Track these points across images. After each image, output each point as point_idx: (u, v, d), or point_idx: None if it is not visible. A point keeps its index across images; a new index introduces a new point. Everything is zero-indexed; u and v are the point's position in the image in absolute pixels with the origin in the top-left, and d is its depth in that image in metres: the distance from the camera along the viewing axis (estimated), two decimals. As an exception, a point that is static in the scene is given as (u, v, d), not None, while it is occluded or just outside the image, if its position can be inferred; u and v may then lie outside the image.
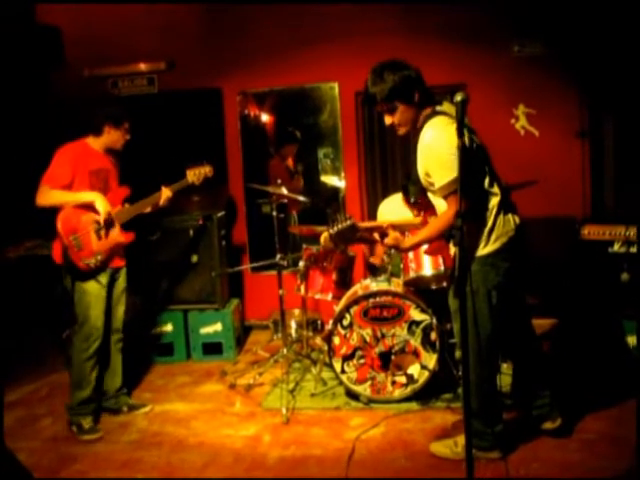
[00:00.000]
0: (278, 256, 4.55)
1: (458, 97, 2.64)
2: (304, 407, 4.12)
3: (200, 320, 5.21)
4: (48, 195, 3.81)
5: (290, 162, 5.95)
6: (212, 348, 5.20)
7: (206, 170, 4.33)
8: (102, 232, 3.91)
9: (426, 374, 4.01)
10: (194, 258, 5.20)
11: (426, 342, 4.00)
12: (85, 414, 3.98)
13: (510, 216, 3.13)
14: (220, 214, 5.39)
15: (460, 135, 2.56)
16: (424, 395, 4.04)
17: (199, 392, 4.57)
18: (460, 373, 4.02)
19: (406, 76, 3.05)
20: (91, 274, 3.93)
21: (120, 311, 4.20)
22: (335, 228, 3.11)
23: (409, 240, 3.19)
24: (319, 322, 5.31)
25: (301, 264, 4.50)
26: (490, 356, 3.18)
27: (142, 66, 5.88)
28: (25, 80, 5.28)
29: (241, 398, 4.40)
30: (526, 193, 4.24)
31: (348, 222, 3.10)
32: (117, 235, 4.01)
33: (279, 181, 4.75)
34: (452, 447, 3.33)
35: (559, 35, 5.20)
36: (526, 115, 5.36)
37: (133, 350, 5.34)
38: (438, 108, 3.10)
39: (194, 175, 4.29)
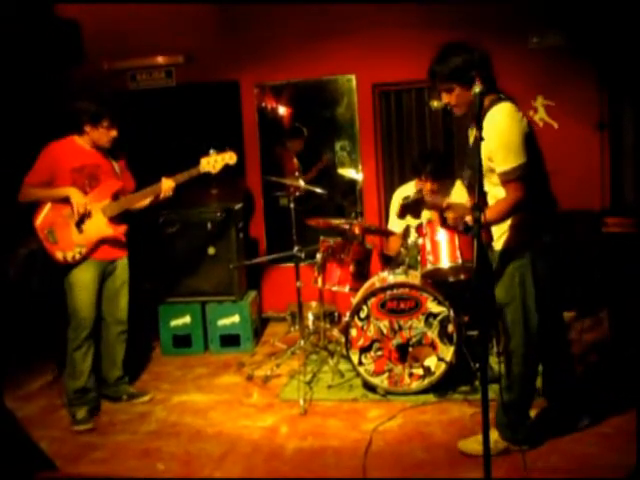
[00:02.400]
0: (295, 248, 4.56)
1: (476, 89, 2.63)
2: (321, 399, 4.14)
3: (218, 312, 5.24)
4: (27, 192, 3.92)
5: (295, 160, 5.95)
6: (230, 340, 5.23)
7: (226, 157, 4.11)
8: (82, 225, 3.92)
9: (443, 366, 4.01)
10: (212, 250, 5.23)
11: (443, 334, 4.00)
12: (80, 404, 4.01)
13: (554, 208, 3.18)
14: (238, 206, 5.41)
15: (479, 127, 2.55)
16: (441, 387, 4.04)
17: (217, 383, 4.60)
18: (477, 365, 4.03)
19: (468, 60, 3.03)
20: (75, 266, 3.94)
21: (122, 303, 4.20)
22: (405, 201, 3.36)
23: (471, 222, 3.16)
24: (336, 314, 5.32)
25: (318, 256, 4.50)
26: (536, 349, 3.18)
27: (160, 59, 5.91)
28: (44, 74, 5.32)
29: (258, 389, 4.43)
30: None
31: (416, 195, 3.35)
32: (104, 228, 3.99)
33: (297, 173, 4.76)
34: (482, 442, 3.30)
35: (578, 26, 5.14)
36: (545, 107, 5.32)
37: (149, 341, 5.45)
38: (502, 95, 3.07)
39: (208, 164, 4.09)
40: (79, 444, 3.75)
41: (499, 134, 2.93)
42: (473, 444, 3.26)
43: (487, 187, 3.12)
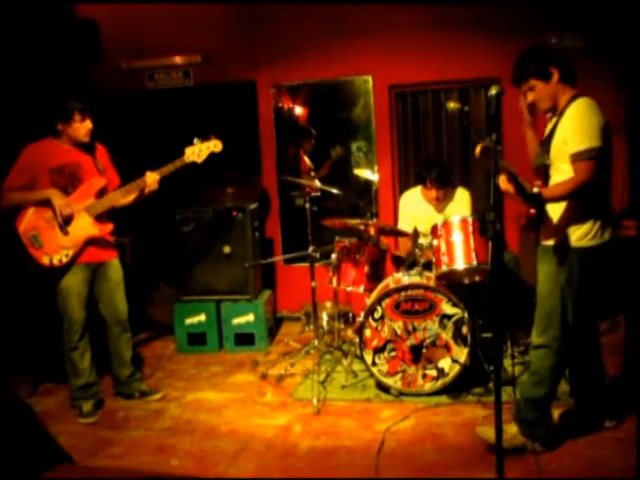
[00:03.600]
0: (311, 248, 4.58)
1: (493, 91, 2.65)
2: (335, 398, 4.15)
3: (233, 311, 5.27)
4: (7, 197, 3.88)
5: (307, 160, 5.97)
6: (244, 339, 5.26)
7: (210, 145, 4.02)
8: (66, 227, 3.89)
9: (457, 368, 4.01)
10: (227, 249, 5.26)
11: (457, 336, 4.00)
12: (85, 398, 4.08)
13: (610, 216, 3.20)
14: (253, 206, 5.44)
15: (496, 128, 2.57)
16: (455, 389, 4.05)
17: (231, 382, 4.63)
18: (491, 367, 4.03)
19: (545, 57, 3.17)
20: (63, 271, 3.93)
21: (119, 303, 4.19)
22: (491, 144, 3.32)
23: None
24: (350, 314, 5.33)
25: (333, 256, 4.52)
26: (566, 347, 3.20)
27: (178, 59, 5.95)
28: (65, 74, 5.38)
29: (272, 388, 4.45)
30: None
31: (499, 147, 3.33)
32: (90, 228, 3.95)
33: (312, 173, 4.78)
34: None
35: (597, 27, 5.12)
36: (562, 109, 5.30)
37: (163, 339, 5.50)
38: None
39: (193, 153, 3.99)
40: (96, 439, 3.80)
41: (577, 118, 3.05)
42: (491, 432, 3.26)
43: (554, 175, 3.20)
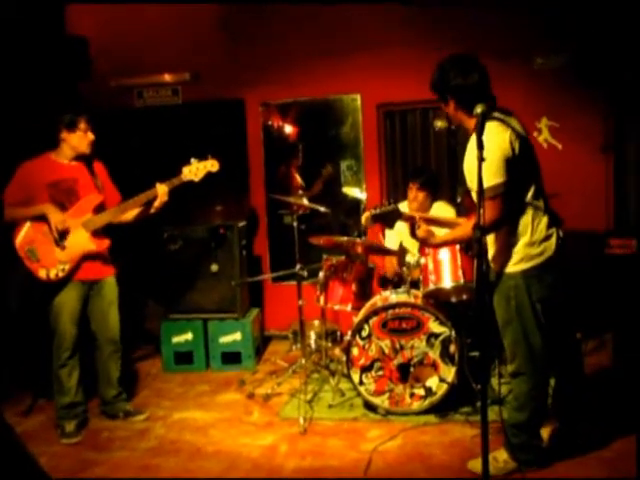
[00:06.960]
0: (298, 266, 4.56)
1: (478, 109, 2.63)
2: (322, 418, 4.12)
3: (219, 329, 5.23)
4: (9, 212, 3.89)
5: (297, 177, 5.97)
6: (231, 357, 5.22)
7: (207, 165, 4.01)
8: (63, 242, 3.88)
9: (445, 387, 3.99)
10: (215, 267, 5.23)
11: (445, 355, 3.98)
12: (69, 418, 4.03)
13: (554, 229, 3.12)
14: (241, 224, 5.42)
15: (480, 147, 2.56)
16: (442, 408, 4.01)
17: (217, 401, 4.59)
18: (479, 387, 4.00)
19: (443, 81, 3.15)
20: (58, 287, 3.91)
21: (112, 322, 4.15)
22: (378, 210, 3.46)
23: (439, 237, 3.18)
24: (338, 333, 5.31)
25: (321, 275, 4.50)
26: (542, 368, 3.17)
27: (167, 77, 5.97)
28: (54, 90, 5.37)
29: (259, 408, 4.41)
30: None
31: (391, 207, 3.46)
32: (86, 243, 3.93)
33: (300, 192, 4.78)
34: (493, 463, 3.17)
35: (583, 47, 5.18)
36: (549, 128, 5.35)
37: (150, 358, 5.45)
38: (495, 114, 3.05)
39: (190, 172, 3.97)
40: (78, 460, 3.74)
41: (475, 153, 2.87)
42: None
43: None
